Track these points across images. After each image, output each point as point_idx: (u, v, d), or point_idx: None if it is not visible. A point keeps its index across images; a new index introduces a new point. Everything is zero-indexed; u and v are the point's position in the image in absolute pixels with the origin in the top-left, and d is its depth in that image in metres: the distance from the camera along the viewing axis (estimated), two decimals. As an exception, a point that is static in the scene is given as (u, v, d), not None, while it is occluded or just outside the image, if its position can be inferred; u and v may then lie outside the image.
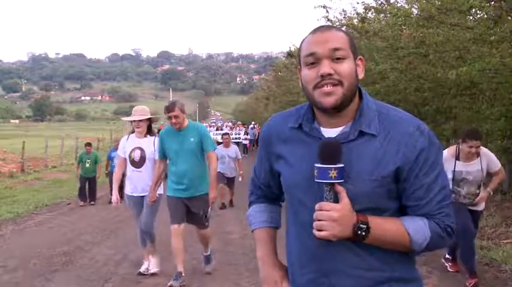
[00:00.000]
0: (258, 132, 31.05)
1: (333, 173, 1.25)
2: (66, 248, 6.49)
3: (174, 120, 4.57)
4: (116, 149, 10.69)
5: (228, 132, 12.96)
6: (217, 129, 30.43)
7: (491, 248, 5.69)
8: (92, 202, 10.83)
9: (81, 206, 10.49)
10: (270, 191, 1.60)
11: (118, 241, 7.03)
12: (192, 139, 4.62)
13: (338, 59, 1.30)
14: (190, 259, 5.86)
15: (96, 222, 8.65)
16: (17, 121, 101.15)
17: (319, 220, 1.26)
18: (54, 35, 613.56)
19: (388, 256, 1.32)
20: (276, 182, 1.53)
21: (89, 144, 11.48)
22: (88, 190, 10.92)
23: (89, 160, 11.02)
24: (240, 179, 10.33)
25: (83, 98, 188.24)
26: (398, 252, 1.33)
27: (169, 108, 4.58)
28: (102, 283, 4.92)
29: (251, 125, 32.81)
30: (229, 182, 10.17)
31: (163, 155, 4.81)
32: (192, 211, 4.87)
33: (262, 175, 1.58)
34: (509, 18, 6.41)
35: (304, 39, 1.37)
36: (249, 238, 6.86)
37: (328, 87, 1.29)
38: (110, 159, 10.85)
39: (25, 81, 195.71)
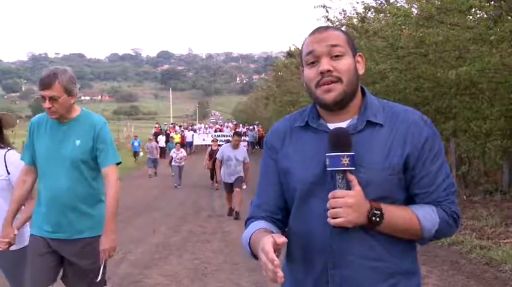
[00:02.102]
0: (260, 134, 30.63)
1: (345, 161, 1.28)
2: (66, 248, 6.49)
3: (48, 105, 2.57)
4: None
5: (240, 132, 11.52)
6: (216, 131, 29.23)
7: (490, 248, 5.69)
8: None
9: None
10: (274, 210, 1.48)
11: (118, 240, 7.02)
12: (78, 141, 2.64)
13: (337, 56, 1.34)
14: (192, 259, 5.86)
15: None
16: (16, 121, 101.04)
17: (333, 208, 1.27)
18: (53, 35, 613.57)
19: (396, 247, 1.34)
20: (283, 194, 1.46)
21: None
22: None
23: None
24: (244, 187, 9.10)
25: (82, 98, 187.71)
26: (404, 244, 1.36)
27: (43, 83, 2.59)
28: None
29: (251, 127, 31.84)
30: (236, 182, 8.82)
31: (32, 160, 2.74)
32: (71, 262, 2.69)
33: (269, 188, 1.49)
34: (509, 18, 6.42)
35: (304, 41, 1.42)
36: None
37: (329, 85, 1.34)
38: None
39: (25, 81, 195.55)
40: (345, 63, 1.34)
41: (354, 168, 1.29)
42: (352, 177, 1.29)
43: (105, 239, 2.66)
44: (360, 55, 1.41)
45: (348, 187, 1.29)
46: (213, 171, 12.51)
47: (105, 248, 2.65)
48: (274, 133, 1.52)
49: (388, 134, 1.34)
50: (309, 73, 1.37)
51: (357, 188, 1.28)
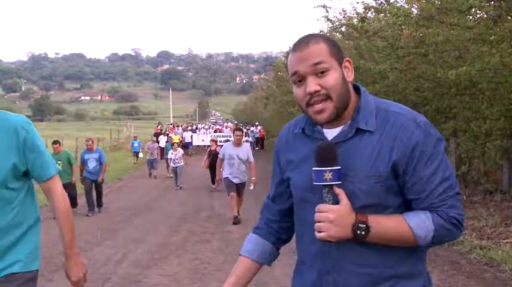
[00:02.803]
0: (260, 135, 30.35)
1: (328, 175, 1.27)
2: (66, 248, 6.48)
3: None
4: (89, 150, 9.75)
5: (241, 128, 10.52)
6: (215, 132, 27.66)
7: (490, 248, 5.69)
8: (73, 209, 8.86)
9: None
10: (275, 212, 1.59)
11: (118, 240, 7.04)
12: None
13: (322, 72, 1.31)
14: (192, 259, 5.86)
15: (96, 222, 8.65)
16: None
17: (318, 222, 1.28)
18: (53, 35, 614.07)
19: (391, 252, 1.32)
20: (286, 195, 1.55)
21: (56, 142, 9.35)
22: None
23: (59, 161, 8.91)
24: (251, 188, 8.41)
25: (82, 97, 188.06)
26: (402, 248, 1.33)
27: None
28: (101, 283, 4.91)
29: (252, 128, 31.02)
30: (240, 190, 8.24)
31: None
32: None
33: (274, 190, 1.61)
34: (509, 18, 6.42)
35: (288, 56, 1.40)
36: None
37: (320, 105, 1.32)
38: (84, 162, 9.70)
39: (25, 81, 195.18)
40: (331, 79, 1.31)
41: (339, 182, 1.28)
42: (338, 190, 1.28)
43: (73, 268, 2.14)
44: (347, 60, 1.38)
45: (336, 200, 1.28)
46: (212, 172, 12.32)
47: (79, 278, 2.16)
48: (279, 140, 1.56)
49: (377, 140, 1.32)
50: (298, 93, 1.36)
51: (344, 201, 1.27)
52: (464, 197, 8.85)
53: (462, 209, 1.34)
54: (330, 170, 1.27)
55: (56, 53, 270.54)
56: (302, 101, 1.35)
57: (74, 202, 9.18)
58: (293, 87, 1.39)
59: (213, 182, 12.65)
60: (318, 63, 1.31)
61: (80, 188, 10.09)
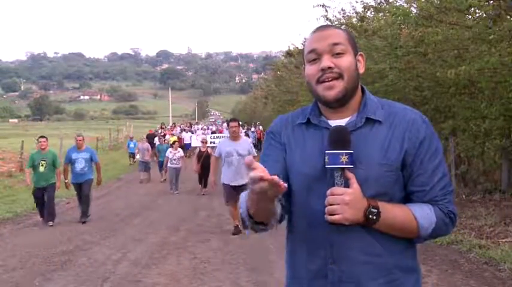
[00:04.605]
0: (258, 136, 30.11)
1: (344, 158, 1.30)
2: (65, 248, 6.49)
3: None
4: (78, 147, 8.52)
5: (237, 118, 9.00)
6: (213, 133, 25.37)
7: (490, 247, 5.69)
8: (50, 222, 8.01)
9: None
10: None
11: (117, 240, 7.03)
12: None
13: (338, 53, 1.36)
14: (191, 258, 5.86)
15: (95, 221, 8.64)
16: (15, 120, 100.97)
17: (331, 205, 1.28)
18: (53, 34, 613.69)
19: (395, 244, 1.35)
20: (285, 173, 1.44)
21: (42, 137, 8.27)
22: (43, 204, 8.06)
23: (43, 161, 7.94)
24: None
25: (81, 97, 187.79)
26: (404, 241, 1.37)
27: None
28: (101, 283, 4.91)
29: (252, 129, 30.33)
30: (238, 192, 7.04)
31: None
32: None
33: (274, 165, 1.44)
34: (508, 17, 6.42)
35: (306, 40, 1.46)
36: (248, 237, 6.85)
37: (330, 82, 1.35)
38: (70, 162, 8.40)
39: (24, 80, 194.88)
40: (346, 61, 1.36)
41: (352, 166, 1.30)
42: (350, 175, 1.30)
43: None
44: (361, 54, 1.44)
45: (346, 185, 1.30)
46: (201, 175, 11.90)
47: None
48: (277, 124, 1.54)
49: (387, 130, 1.36)
50: (310, 70, 1.39)
51: (355, 185, 1.29)
52: (464, 196, 8.86)
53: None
54: (346, 153, 1.30)
55: (55, 53, 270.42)
56: (313, 78, 1.38)
57: (51, 214, 8.11)
58: (306, 66, 1.42)
59: (201, 182, 12.01)
60: (336, 44, 1.36)
61: (69, 193, 9.83)
